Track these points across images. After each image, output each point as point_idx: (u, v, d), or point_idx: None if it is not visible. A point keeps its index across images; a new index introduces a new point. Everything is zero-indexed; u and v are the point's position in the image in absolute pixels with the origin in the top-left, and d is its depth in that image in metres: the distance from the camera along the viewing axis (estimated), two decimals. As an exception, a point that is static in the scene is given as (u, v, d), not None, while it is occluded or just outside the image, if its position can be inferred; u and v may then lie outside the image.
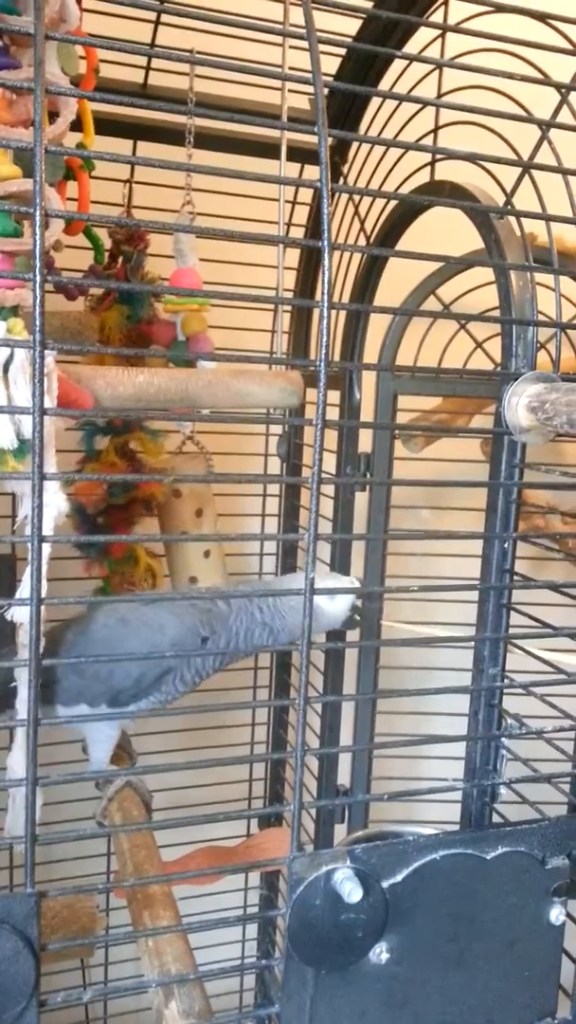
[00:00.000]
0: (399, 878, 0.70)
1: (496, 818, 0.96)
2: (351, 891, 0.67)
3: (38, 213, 0.57)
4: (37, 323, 0.56)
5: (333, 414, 1.41)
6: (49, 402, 0.72)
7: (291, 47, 1.23)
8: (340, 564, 1.44)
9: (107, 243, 1.35)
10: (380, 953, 0.71)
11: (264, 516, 1.68)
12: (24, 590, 0.74)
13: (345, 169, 1.52)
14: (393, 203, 1.32)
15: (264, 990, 1.71)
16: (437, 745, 1.03)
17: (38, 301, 0.57)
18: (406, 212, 1.30)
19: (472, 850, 0.73)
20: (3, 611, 0.79)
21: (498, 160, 0.91)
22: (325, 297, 0.63)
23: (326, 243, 0.63)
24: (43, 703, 1.01)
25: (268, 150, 1.45)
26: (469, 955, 0.74)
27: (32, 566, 0.59)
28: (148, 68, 1.39)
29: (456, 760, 1.09)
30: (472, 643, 0.97)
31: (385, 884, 0.70)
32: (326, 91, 0.68)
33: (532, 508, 1.36)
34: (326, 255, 0.63)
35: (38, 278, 0.56)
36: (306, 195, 1.58)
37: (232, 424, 1.65)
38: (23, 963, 0.61)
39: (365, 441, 1.45)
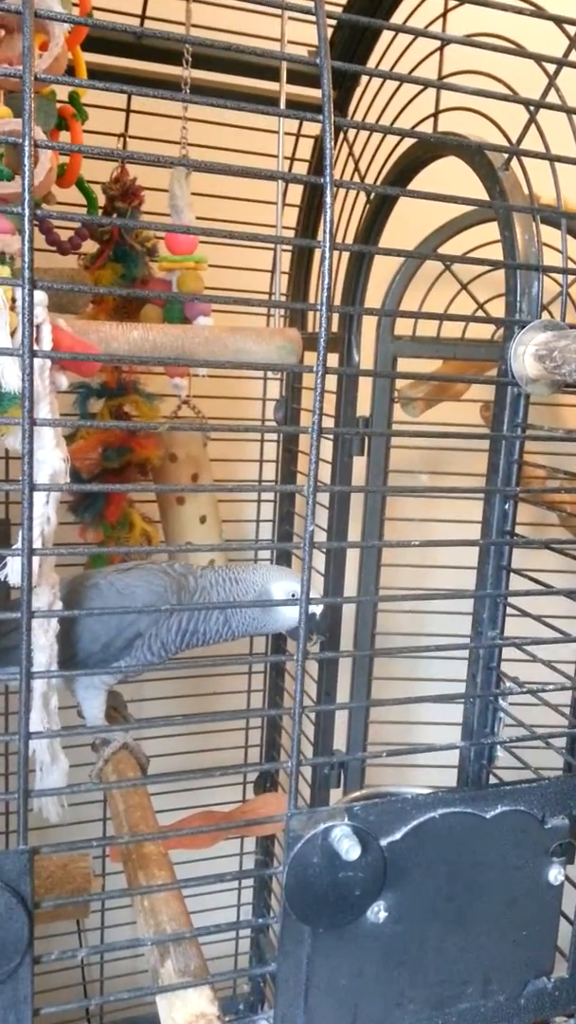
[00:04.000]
0: (398, 836, 0.70)
1: (492, 781, 0.95)
2: (349, 848, 0.66)
3: (27, 143, 0.54)
4: (26, 259, 0.54)
5: (332, 378, 1.39)
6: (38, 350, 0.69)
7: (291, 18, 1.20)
8: (337, 530, 1.42)
9: (101, 200, 1.31)
10: (378, 912, 0.70)
11: (261, 482, 1.66)
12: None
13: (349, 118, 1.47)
14: (393, 160, 1.28)
15: (259, 953, 1.72)
16: (432, 712, 1.03)
17: (27, 236, 0.54)
18: (407, 167, 1.27)
19: (471, 809, 0.72)
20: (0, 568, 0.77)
21: (504, 97, 0.87)
22: (327, 236, 0.60)
23: (328, 179, 0.60)
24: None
25: (266, 103, 1.41)
26: (467, 914, 0.74)
27: (25, 514, 0.57)
28: (143, 16, 1.34)
29: (451, 726, 1.09)
30: (471, 609, 0.96)
31: (383, 842, 0.69)
32: (330, 28, 0.65)
33: (531, 473, 1.34)
34: (328, 192, 0.60)
35: (27, 212, 0.54)
36: (305, 150, 1.54)
37: (229, 387, 1.63)
38: (16, 919, 0.60)
39: (364, 406, 1.43)
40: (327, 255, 0.60)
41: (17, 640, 0.99)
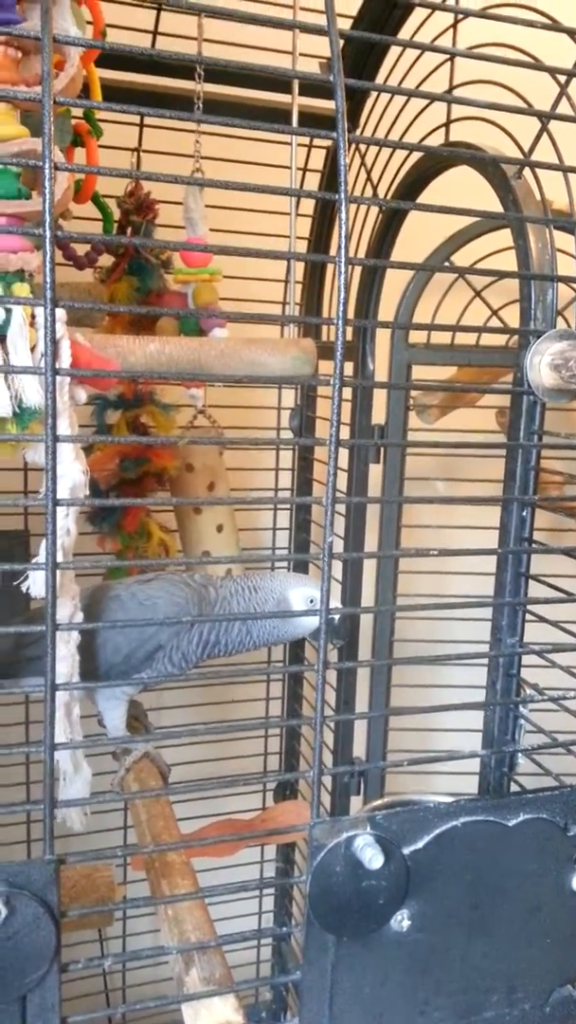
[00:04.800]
0: (420, 845, 0.70)
1: (514, 788, 0.95)
2: (372, 857, 0.67)
3: (47, 166, 0.55)
4: (48, 279, 0.55)
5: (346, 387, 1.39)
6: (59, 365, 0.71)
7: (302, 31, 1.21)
8: (355, 538, 1.43)
9: (116, 214, 1.33)
10: (401, 920, 0.70)
11: (277, 490, 1.67)
12: (42, 555, 0.74)
13: (359, 132, 1.49)
14: (406, 169, 1.29)
15: (281, 961, 1.72)
16: (451, 719, 1.03)
17: (48, 256, 0.55)
18: (418, 178, 1.27)
19: (494, 817, 0.73)
20: (20, 581, 0.79)
21: (517, 110, 0.88)
22: (342, 252, 0.61)
23: (342, 196, 0.61)
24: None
25: (278, 116, 1.42)
26: (491, 922, 0.74)
27: (48, 529, 0.58)
28: (155, 32, 1.36)
29: (470, 732, 1.09)
30: (488, 614, 0.96)
31: (406, 851, 0.70)
32: (341, 41, 0.66)
33: (548, 479, 1.34)
34: (343, 208, 0.61)
35: (48, 233, 0.55)
36: (317, 161, 1.55)
37: (243, 398, 1.64)
38: (43, 928, 0.60)
39: (379, 413, 1.44)
40: (343, 270, 0.61)
41: (38, 651, 1.00)
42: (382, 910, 0.70)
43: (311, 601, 1.06)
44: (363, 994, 0.70)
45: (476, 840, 0.72)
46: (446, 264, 1.30)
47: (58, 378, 0.71)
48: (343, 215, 0.61)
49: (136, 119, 1.45)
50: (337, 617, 1.08)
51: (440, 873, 0.71)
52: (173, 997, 0.68)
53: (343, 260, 0.60)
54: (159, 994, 1.67)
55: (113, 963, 0.65)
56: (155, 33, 1.36)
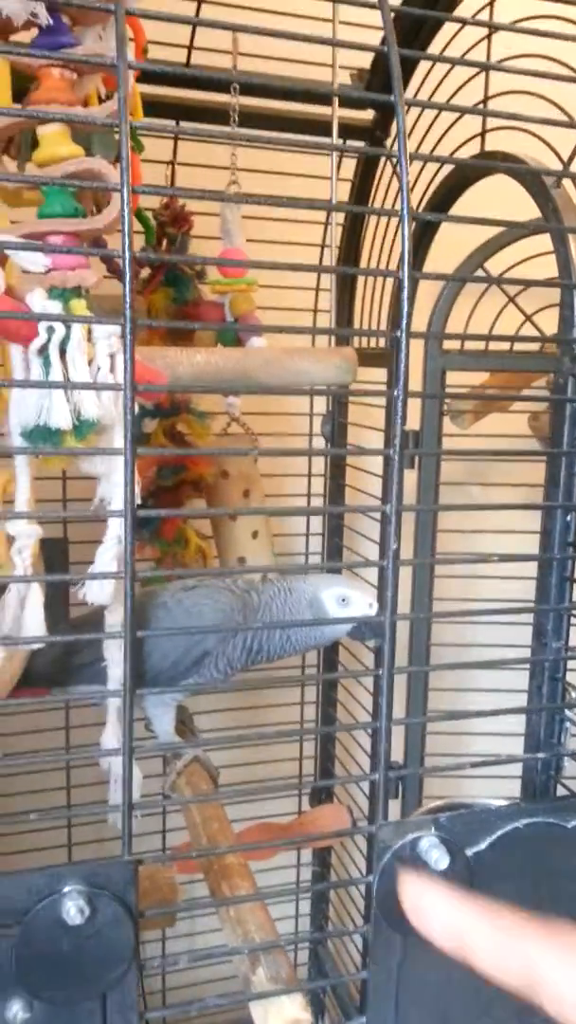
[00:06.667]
0: (483, 846, 0.71)
1: (561, 791, 0.96)
2: (438, 859, 0.68)
3: (126, 189, 0.57)
4: (127, 300, 0.57)
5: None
6: (113, 380, 0.72)
7: (341, 21, 1.23)
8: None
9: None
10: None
11: (310, 496, 1.69)
12: (100, 563, 0.75)
13: (388, 143, 1.50)
14: (439, 179, 1.31)
15: (319, 965, 1.73)
16: (484, 722, 1.03)
17: (127, 279, 0.57)
18: (454, 186, 1.29)
19: (554, 819, 0.74)
20: (78, 588, 0.80)
21: (556, 123, 0.89)
22: (406, 267, 0.63)
23: (405, 211, 0.63)
24: (95, 682, 1.02)
25: (312, 128, 1.44)
26: (552, 922, 0.75)
27: (126, 539, 0.60)
28: (191, 47, 1.38)
29: (505, 736, 1.09)
30: (520, 618, 0.97)
31: (469, 852, 0.71)
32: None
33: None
34: (405, 224, 0.63)
35: (127, 254, 0.57)
36: (347, 170, 1.56)
37: (276, 403, 1.65)
38: (124, 928, 0.62)
39: (412, 420, 1.45)
40: (406, 284, 0.63)
41: (89, 657, 1.02)
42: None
43: (343, 600, 1.06)
44: (428, 994, 0.71)
45: (537, 841, 0.73)
46: (482, 274, 1.31)
47: (115, 392, 0.73)
48: (406, 231, 0.62)
49: (171, 131, 1.47)
50: (375, 613, 1.09)
51: (502, 874, 0.72)
52: (245, 994, 0.70)
53: (406, 275, 0.62)
54: (195, 996, 1.68)
55: (188, 963, 0.67)
56: (190, 48, 1.38)
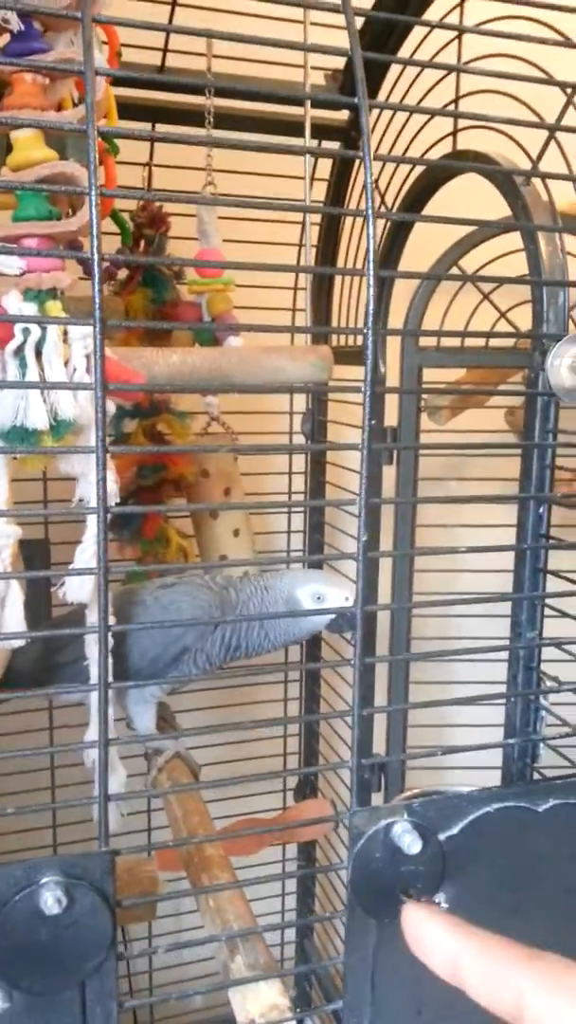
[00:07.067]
0: (455, 831, 0.73)
1: (536, 778, 0.98)
2: (411, 843, 0.69)
3: (94, 193, 0.58)
4: (97, 301, 0.58)
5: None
6: (89, 380, 0.73)
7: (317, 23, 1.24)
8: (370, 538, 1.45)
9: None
10: (439, 903, 0.73)
11: (291, 494, 1.70)
12: (80, 561, 0.77)
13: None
14: (413, 177, 1.32)
15: (304, 956, 1.75)
16: (464, 714, 1.05)
17: (97, 279, 0.58)
18: (427, 185, 1.31)
19: (524, 803, 0.75)
20: (59, 586, 0.82)
21: (524, 123, 0.91)
22: (370, 266, 0.64)
23: (370, 211, 0.64)
24: (77, 680, 1.03)
25: (288, 128, 1.45)
26: (526, 903, 0.77)
27: (99, 536, 0.61)
28: (165, 50, 1.39)
29: (484, 728, 1.11)
30: (499, 611, 0.99)
31: (442, 836, 0.72)
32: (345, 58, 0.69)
33: (559, 476, 1.37)
34: (370, 224, 0.64)
35: (96, 256, 0.58)
36: (323, 170, 1.58)
37: (255, 401, 1.67)
38: (101, 917, 0.63)
39: (390, 416, 1.47)
40: (371, 283, 0.64)
41: (71, 656, 1.03)
42: (420, 894, 0.72)
43: (318, 597, 1.08)
44: (404, 976, 0.73)
45: (508, 825, 0.75)
46: (456, 272, 1.33)
47: (92, 392, 0.74)
48: (370, 230, 0.64)
49: (143, 135, 1.47)
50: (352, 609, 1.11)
51: (475, 858, 0.74)
52: (223, 982, 0.71)
53: (371, 273, 0.63)
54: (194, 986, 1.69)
55: (167, 951, 0.68)
56: (165, 50, 1.39)
